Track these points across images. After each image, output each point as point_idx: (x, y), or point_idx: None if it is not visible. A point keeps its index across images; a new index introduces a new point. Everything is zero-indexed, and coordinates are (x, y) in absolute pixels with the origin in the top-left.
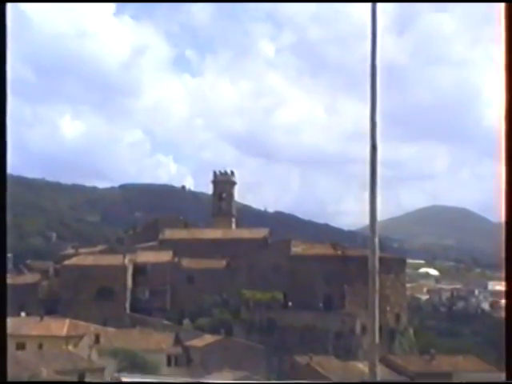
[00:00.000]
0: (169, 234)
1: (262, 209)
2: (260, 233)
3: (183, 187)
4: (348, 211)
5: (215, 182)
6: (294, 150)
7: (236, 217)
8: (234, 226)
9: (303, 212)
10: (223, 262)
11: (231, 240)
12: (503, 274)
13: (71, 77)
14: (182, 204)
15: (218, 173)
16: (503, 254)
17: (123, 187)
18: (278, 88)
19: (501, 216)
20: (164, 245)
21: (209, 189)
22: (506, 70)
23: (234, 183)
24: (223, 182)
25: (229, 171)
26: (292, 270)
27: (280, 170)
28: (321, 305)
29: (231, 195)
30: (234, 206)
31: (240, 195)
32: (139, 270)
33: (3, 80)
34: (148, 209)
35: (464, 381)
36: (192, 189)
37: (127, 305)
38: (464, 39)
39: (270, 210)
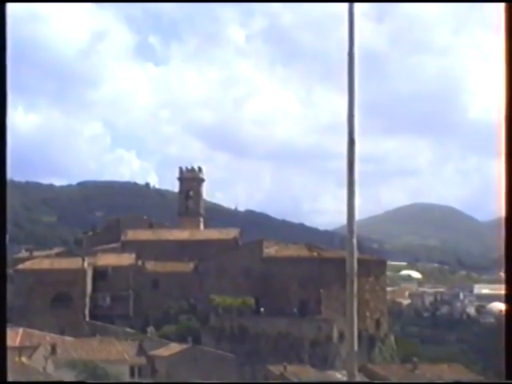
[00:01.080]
0: (132, 234)
1: (233, 207)
2: (230, 233)
3: (147, 184)
4: (324, 210)
5: (182, 179)
6: (266, 144)
7: (204, 216)
8: (202, 226)
9: (276, 211)
10: (190, 265)
11: (199, 241)
12: (490, 277)
13: (23, 65)
14: (145, 203)
15: (184, 169)
16: (502, 252)
17: (82, 185)
18: (248, 77)
19: (489, 214)
20: (126, 247)
21: (175, 186)
22: (507, 70)
23: (201, 180)
24: (190, 179)
25: (196, 167)
26: (264, 273)
27: (251, 165)
28: (295, 310)
29: (199, 193)
30: (202, 204)
31: (208, 193)
32: (99, 274)
33: (3, 80)
34: (109, 208)
35: None
36: (157, 186)
37: (86, 312)
38: (448, 25)
39: (241, 208)
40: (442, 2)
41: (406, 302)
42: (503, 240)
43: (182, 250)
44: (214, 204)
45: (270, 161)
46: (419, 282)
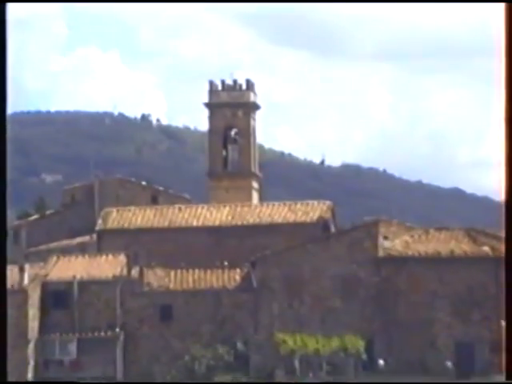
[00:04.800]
0: (118, 217)
1: (316, 160)
2: (311, 210)
3: (144, 118)
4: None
5: (213, 106)
6: (374, 34)
7: (260, 178)
8: (255, 196)
9: (399, 165)
10: (235, 275)
11: (251, 228)
12: None
13: None
14: (143, 154)
15: (219, 85)
16: None
17: (11, 119)
18: None
19: None
20: (107, 241)
21: (200, 120)
22: (506, 70)
23: (253, 106)
24: (231, 106)
25: (242, 82)
26: (383, 287)
27: (348, 74)
28: (448, 364)
29: (249, 133)
30: (254, 154)
31: (268, 132)
32: (55, 296)
33: (3, 80)
34: (70, 166)
35: None
36: (164, 122)
37: (29, 372)
38: None
39: (332, 161)
40: (442, 2)
41: None
42: None
43: (216, 245)
44: (279, 154)
45: (383, 62)
46: None
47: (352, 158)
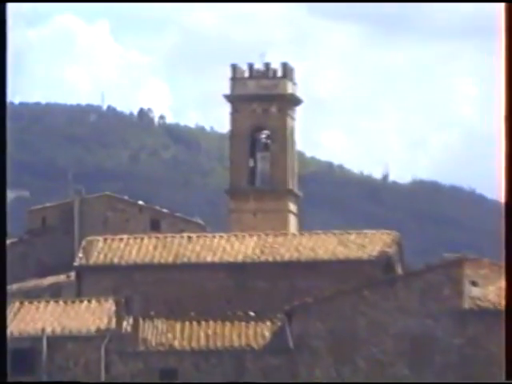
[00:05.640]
0: (105, 248)
1: (375, 175)
2: (371, 242)
3: (144, 113)
4: None
5: (237, 100)
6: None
7: (299, 197)
8: (293, 222)
9: (492, 183)
10: (264, 331)
11: (287, 265)
12: None
13: None
14: (141, 164)
15: (245, 71)
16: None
17: None
18: None
19: None
20: (90, 280)
21: (218, 119)
22: (506, 70)
23: (291, 101)
24: (261, 100)
25: (276, 66)
26: (470, 352)
27: (418, 56)
28: None
29: (285, 136)
30: (292, 166)
31: (310, 136)
32: (17, 356)
33: (3, 79)
34: (37, 173)
35: None
36: (168, 119)
37: None
38: None
39: (399, 177)
40: (443, 1)
41: None
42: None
43: (239, 288)
44: (326, 165)
45: (472, 42)
46: None
47: (426, 173)
